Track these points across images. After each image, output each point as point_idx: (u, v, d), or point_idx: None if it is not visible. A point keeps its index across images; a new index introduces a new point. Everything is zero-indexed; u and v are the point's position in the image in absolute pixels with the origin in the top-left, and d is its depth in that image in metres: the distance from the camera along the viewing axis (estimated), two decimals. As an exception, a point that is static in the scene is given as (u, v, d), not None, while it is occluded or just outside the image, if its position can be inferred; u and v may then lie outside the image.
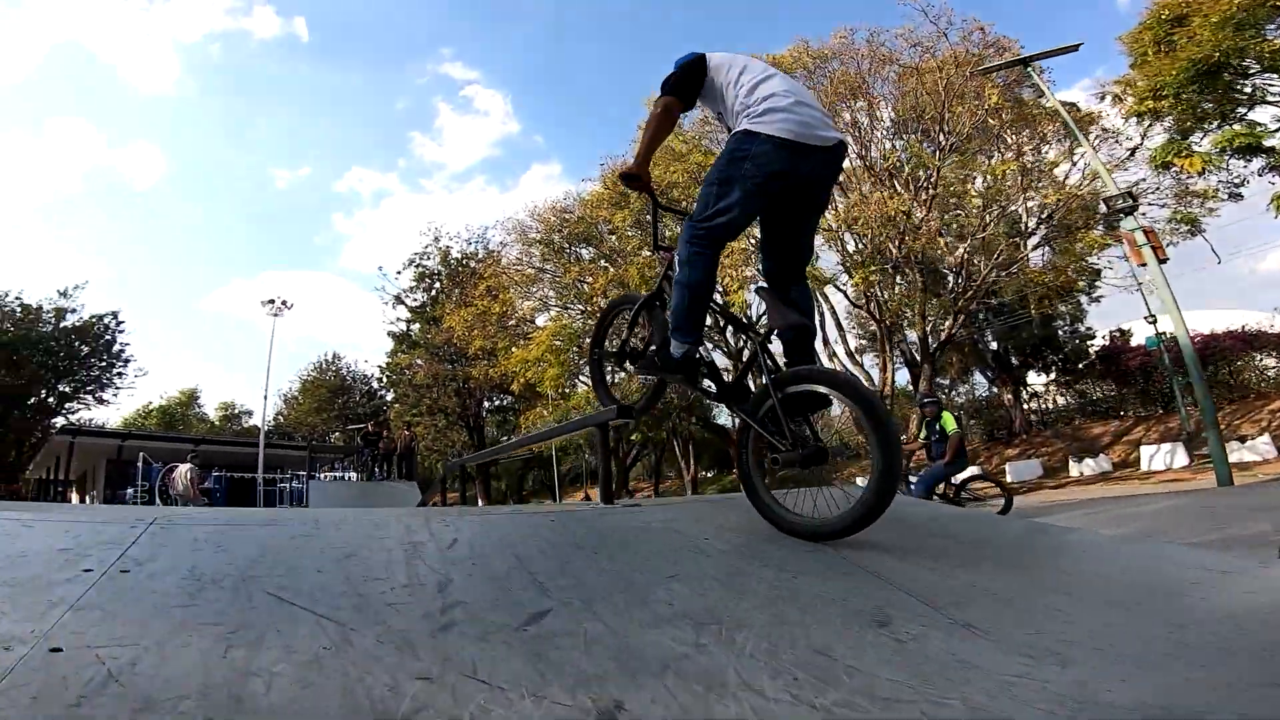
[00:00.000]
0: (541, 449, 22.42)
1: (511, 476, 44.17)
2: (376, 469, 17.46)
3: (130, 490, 28.64)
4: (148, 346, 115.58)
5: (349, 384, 58.41)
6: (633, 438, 25.20)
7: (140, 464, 26.08)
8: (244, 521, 1.90)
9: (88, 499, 34.83)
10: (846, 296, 17.71)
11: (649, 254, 19.23)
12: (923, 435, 8.10)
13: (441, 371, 32.89)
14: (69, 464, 39.68)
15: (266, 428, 42.41)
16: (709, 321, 3.20)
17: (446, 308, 25.23)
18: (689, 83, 2.46)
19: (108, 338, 49.05)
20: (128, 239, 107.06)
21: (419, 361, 34.97)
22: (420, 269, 37.03)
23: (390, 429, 22.06)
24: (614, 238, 21.05)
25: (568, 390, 20.11)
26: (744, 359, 2.88)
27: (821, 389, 2.10)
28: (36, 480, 42.75)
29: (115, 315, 49.55)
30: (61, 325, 46.50)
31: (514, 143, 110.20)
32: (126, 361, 49.96)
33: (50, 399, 46.08)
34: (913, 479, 9.03)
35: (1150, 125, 18.37)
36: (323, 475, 26.79)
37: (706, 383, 2.52)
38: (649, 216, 2.85)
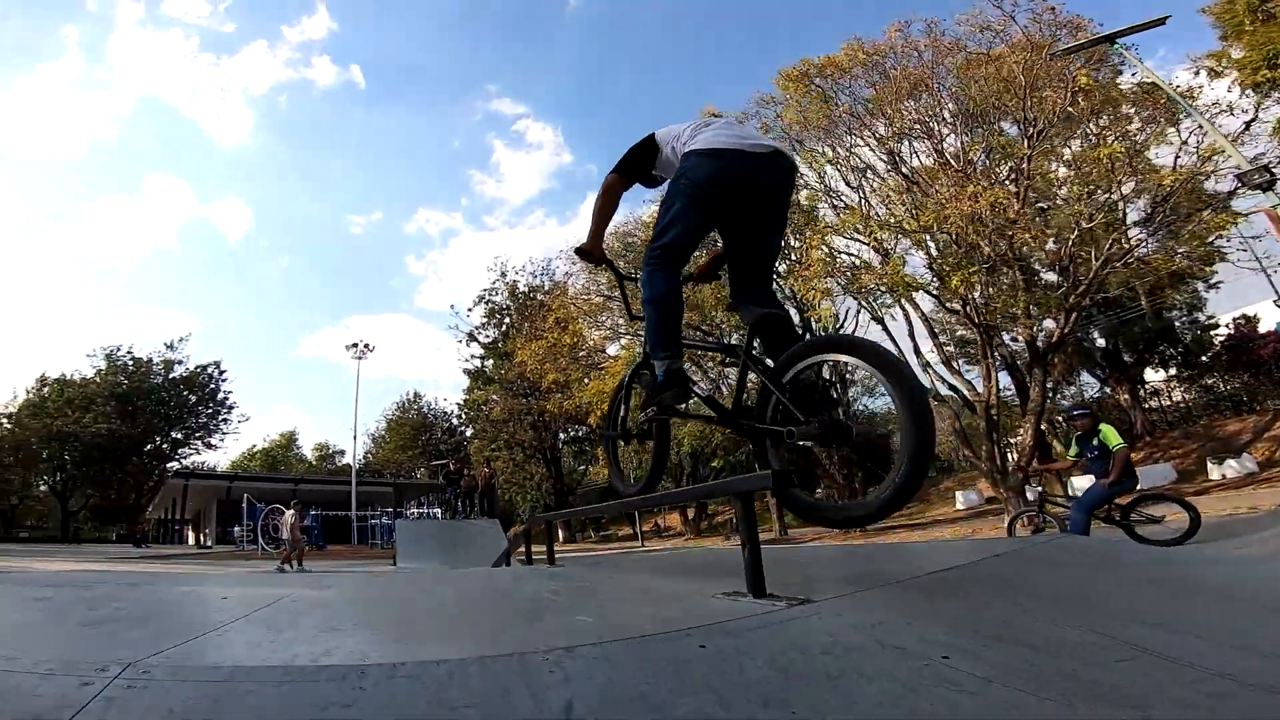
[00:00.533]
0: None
1: (591, 503, 44.27)
2: (460, 506, 17.55)
3: (238, 529, 30.47)
4: (249, 393, 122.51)
5: (430, 421, 60.59)
6: (713, 464, 24.52)
7: (245, 504, 27.48)
8: (257, 682, 1.17)
9: (202, 536, 37.10)
10: (939, 301, 16.42)
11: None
12: (1073, 452, 6.96)
13: (517, 406, 33.27)
14: (184, 504, 42.74)
15: (357, 466, 44.56)
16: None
17: (517, 342, 25.42)
18: (635, 160, 2.54)
19: (212, 386, 53.08)
20: (224, 291, 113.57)
21: (494, 397, 35.62)
22: (490, 304, 37.88)
23: (471, 466, 22.31)
24: None
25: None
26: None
27: (830, 356, 1.98)
28: (156, 519, 46.33)
29: (218, 365, 53.73)
30: (170, 376, 50.66)
31: (568, 173, 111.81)
32: (230, 408, 53.94)
33: (164, 445, 50.00)
34: (1061, 502, 7.96)
35: (1266, 95, 16.66)
36: (410, 511, 27.44)
37: (708, 412, 2.47)
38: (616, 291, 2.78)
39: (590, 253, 2.67)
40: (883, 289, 15.92)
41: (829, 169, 18.11)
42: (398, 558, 13.04)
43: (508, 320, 36.61)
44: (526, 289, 36.11)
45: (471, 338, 38.68)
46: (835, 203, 18.58)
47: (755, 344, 2.29)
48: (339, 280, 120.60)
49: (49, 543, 37.93)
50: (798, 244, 19.15)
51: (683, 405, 2.28)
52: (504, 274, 37.44)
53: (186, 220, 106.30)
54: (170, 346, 51.62)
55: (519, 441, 34.09)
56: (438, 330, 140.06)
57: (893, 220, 14.30)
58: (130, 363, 49.74)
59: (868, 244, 17.04)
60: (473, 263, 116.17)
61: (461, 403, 47.02)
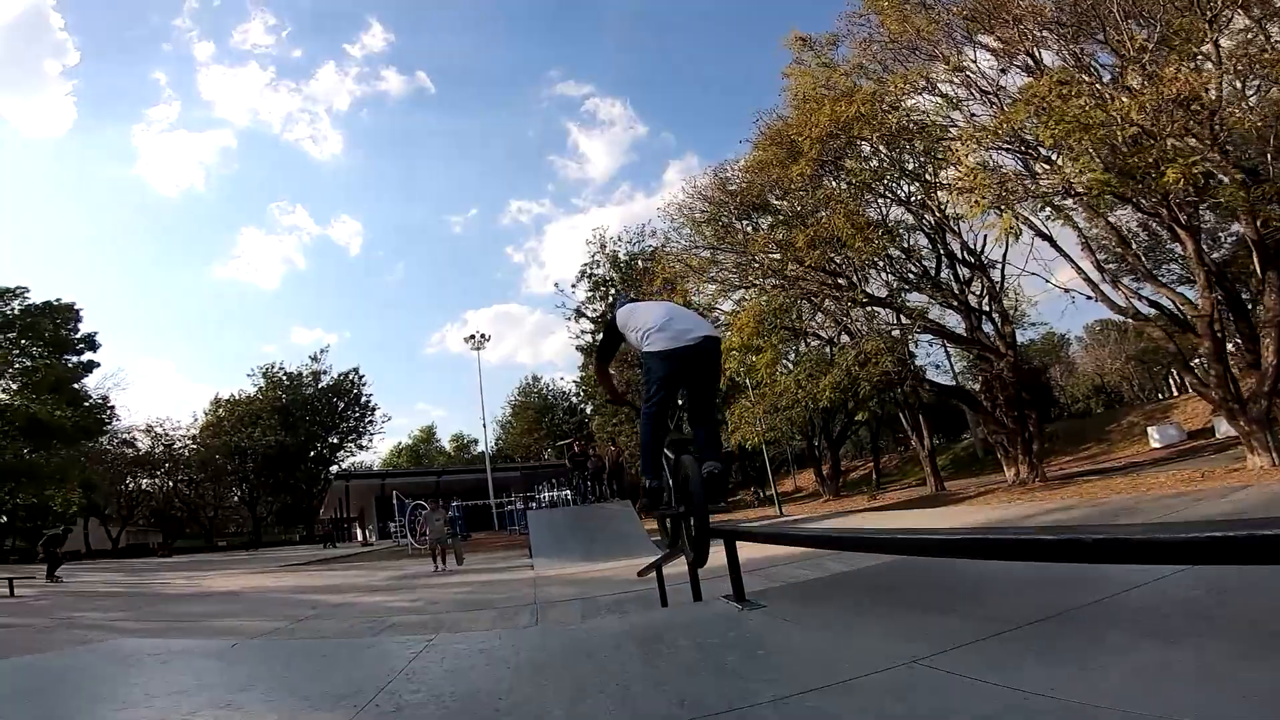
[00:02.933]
0: (748, 438, 20.59)
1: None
2: (588, 489, 16.95)
3: (392, 525, 32.48)
4: (389, 394, 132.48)
5: (551, 402, 62.33)
6: (859, 417, 22.37)
7: (395, 501, 28.99)
8: None
9: (366, 533, 40.00)
10: (1135, 204, 13.14)
11: (853, 201, 16.97)
12: None
13: (634, 376, 32.56)
14: (348, 503, 46.64)
15: (490, 453, 46.42)
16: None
17: (626, 311, 24.52)
18: (607, 347, 4.02)
19: (355, 392, 57.66)
20: (353, 302, 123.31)
21: (610, 371, 35.14)
22: (593, 278, 37.67)
23: (595, 445, 21.83)
24: (785, 201, 18.68)
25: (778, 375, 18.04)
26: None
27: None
28: (329, 519, 51.21)
29: (356, 370, 58.34)
30: (319, 386, 55.69)
31: (644, 145, 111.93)
32: (373, 409, 58.52)
33: (324, 450, 54.98)
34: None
35: None
36: (542, 494, 27.76)
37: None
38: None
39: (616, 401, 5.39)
40: (1053, 195, 13.06)
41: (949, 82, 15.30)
42: (534, 555, 12.54)
43: (613, 291, 36.17)
44: (627, 257, 35.52)
45: (579, 313, 38.80)
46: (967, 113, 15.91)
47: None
48: (450, 278, 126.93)
49: (243, 549, 42.47)
50: (925, 162, 16.65)
51: (661, 506, 3.50)
52: (603, 246, 37.04)
53: (310, 241, 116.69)
54: (314, 359, 56.59)
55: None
56: (546, 314, 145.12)
57: (1069, 117, 11.42)
58: (284, 378, 54.98)
59: (1017, 150, 14.30)
60: (568, 244, 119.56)
61: (578, 380, 47.43)
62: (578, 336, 39.84)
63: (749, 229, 19.83)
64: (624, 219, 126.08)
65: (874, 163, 17.16)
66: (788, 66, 20.18)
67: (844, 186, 17.49)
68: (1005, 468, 17.52)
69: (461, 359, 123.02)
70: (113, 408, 38.95)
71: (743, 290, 19.44)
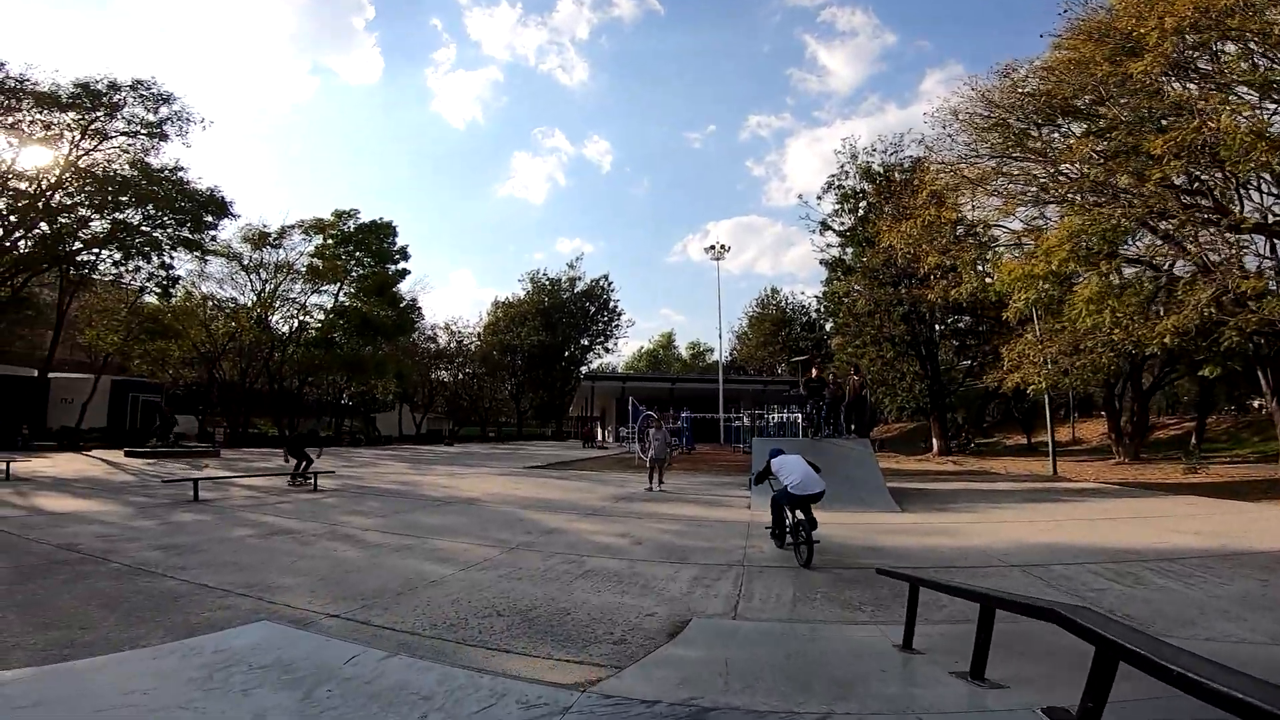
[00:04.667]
0: (1031, 381, 16.66)
1: (972, 407, 37.77)
2: (823, 422, 15.32)
3: (625, 429, 34.68)
4: (633, 300, 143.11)
5: (789, 316, 60.37)
6: (1204, 372, 16.60)
7: (630, 407, 30.55)
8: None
9: (606, 432, 43.61)
10: None
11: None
12: None
13: (884, 296, 29.33)
14: (592, 403, 51.26)
15: (724, 362, 46.79)
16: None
17: (881, 225, 21.40)
18: (761, 477, 7.70)
19: (604, 298, 62.07)
20: (606, 214, 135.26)
21: (857, 288, 32.17)
22: (841, 189, 34.70)
23: (832, 369, 19.89)
24: (1105, 106, 14.01)
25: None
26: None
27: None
28: (576, 417, 57.30)
29: (606, 277, 62.45)
30: (575, 291, 61.01)
31: (895, 54, 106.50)
32: (620, 315, 62.81)
33: (576, 351, 60.85)
34: None
35: None
36: (771, 415, 26.75)
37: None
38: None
39: None
40: None
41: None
42: (753, 488, 11.59)
43: (864, 204, 33.01)
44: (882, 168, 32.07)
45: (825, 226, 36.25)
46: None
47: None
48: (691, 192, 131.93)
49: (510, 440, 49.27)
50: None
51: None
52: (854, 156, 33.85)
53: (568, 160, 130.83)
54: (571, 265, 61.79)
55: (888, 336, 30.07)
56: (787, 225, 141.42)
57: None
58: (547, 283, 61.15)
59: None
60: (811, 157, 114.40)
61: (820, 295, 44.79)
62: (823, 250, 37.29)
63: (1054, 136, 15.74)
64: (874, 131, 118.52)
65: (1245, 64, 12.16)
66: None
67: (1211, 89, 12.61)
68: None
69: (702, 268, 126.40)
70: (420, 309, 46.83)
71: (1041, 206, 15.63)
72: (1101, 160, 13.86)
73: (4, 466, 12.90)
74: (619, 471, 18.06)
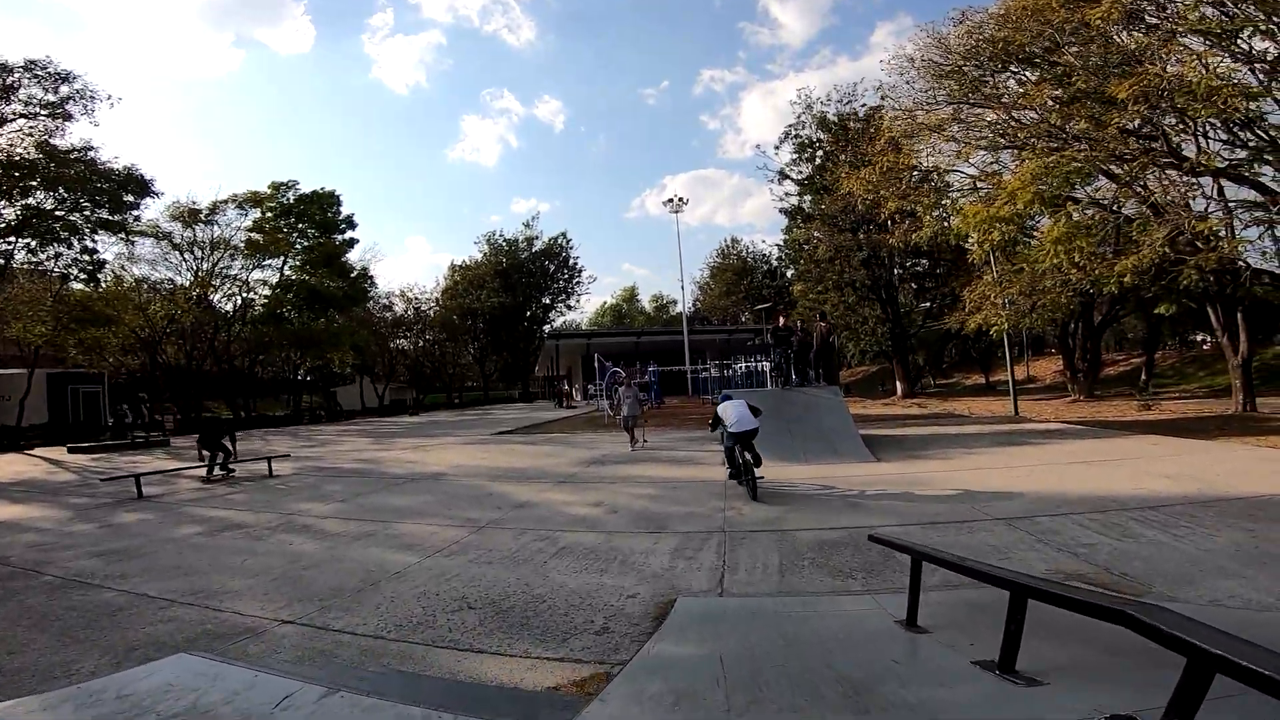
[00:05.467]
0: (991, 323, 16.84)
1: (932, 349, 38.56)
2: (791, 371, 15.21)
3: (591, 386, 34.41)
4: (594, 258, 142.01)
5: (750, 265, 60.31)
6: (1160, 309, 16.76)
7: (596, 364, 30.17)
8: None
9: (574, 391, 43.25)
10: None
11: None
12: None
13: (844, 241, 29.34)
14: (557, 362, 50.64)
15: (687, 314, 46.55)
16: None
17: (841, 172, 21.19)
18: (715, 424, 9.20)
19: (563, 255, 60.90)
20: (561, 175, 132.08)
21: (817, 234, 32.17)
22: (798, 139, 35.27)
23: (793, 317, 19.83)
24: (1058, 54, 13.96)
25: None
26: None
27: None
28: (542, 377, 56.63)
29: (565, 235, 61.17)
30: (532, 250, 59.66)
31: (846, 6, 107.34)
32: (580, 271, 61.72)
33: (538, 310, 59.86)
34: None
35: None
36: (738, 366, 26.73)
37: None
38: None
39: None
40: None
41: None
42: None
43: (821, 153, 33.43)
44: (836, 118, 32.48)
45: (784, 175, 36.57)
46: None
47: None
48: (647, 148, 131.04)
49: (476, 405, 48.56)
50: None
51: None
52: (809, 107, 34.26)
53: (519, 121, 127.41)
54: (527, 225, 60.45)
55: (849, 281, 30.16)
56: (745, 177, 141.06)
57: None
58: (504, 244, 59.62)
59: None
60: (765, 110, 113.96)
61: (781, 243, 44.88)
62: (781, 199, 38.43)
63: (1010, 84, 15.72)
64: (826, 84, 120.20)
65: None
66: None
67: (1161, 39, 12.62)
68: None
69: (660, 221, 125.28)
70: (372, 278, 45.14)
71: (996, 152, 15.70)
72: (1057, 106, 13.83)
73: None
74: (589, 432, 17.81)
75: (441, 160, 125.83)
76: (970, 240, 15.28)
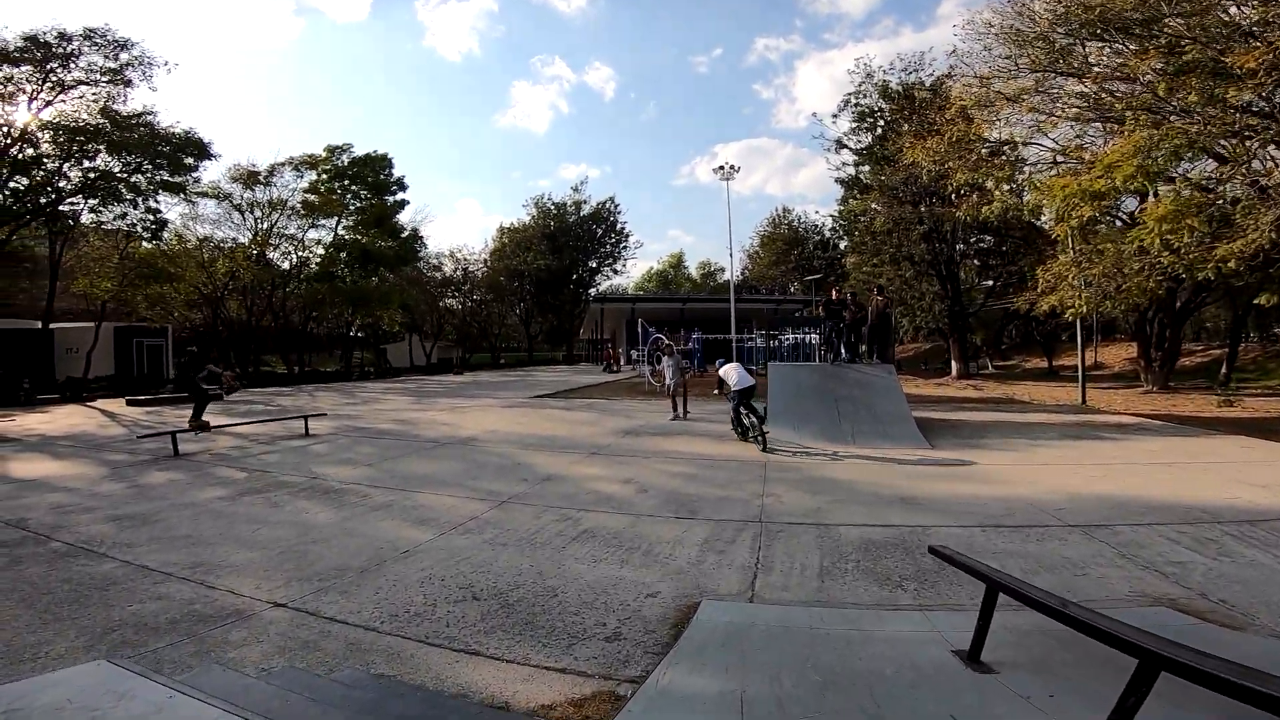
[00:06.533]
0: (1068, 304, 15.41)
1: (991, 328, 36.56)
2: (843, 347, 14.36)
3: (635, 351, 34.08)
4: (642, 223, 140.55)
5: (801, 235, 58.43)
6: (1261, 300, 14.77)
7: (640, 329, 29.76)
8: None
9: (618, 353, 43.03)
10: None
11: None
12: None
13: (904, 214, 27.71)
14: (602, 325, 50.46)
15: (736, 281, 45.45)
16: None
17: (905, 141, 19.70)
18: (720, 384, 10.63)
19: (610, 219, 60.40)
20: (611, 141, 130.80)
21: (875, 206, 30.48)
22: (858, 108, 33.13)
23: (858, 294, 18.78)
24: (1156, 25, 12.36)
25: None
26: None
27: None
28: (587, 340, 56.71)
29: (613, 199, 60.76)
30: (580, 215, 59.35)
31: None
32: (627, 236, 61.30)
33: (584, 274, 59.71)
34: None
35: None
36: (786, 338, 25.83)
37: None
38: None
39: None
40: None
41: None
42: (769, 420, 10.84)
43: (882, 123, 31.46)
44: (900, 87, 30.44)
45: (840, 144, 34.78)
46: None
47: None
48: (698, 116, 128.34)
49: (520, 366, 48.93)
50: None
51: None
52: (869, 75, 32.01)
53: (570, 88, 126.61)
54: (575, 189, 60.01)
55: (907, 255, 28.55)
56: (798, 147, 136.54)
57: None
58: (552, 207, 59.51)
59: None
60: (821, 80, 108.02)
61: (835, 214, 43.08)
62: (838, 169, 36.48)
63: (1105, 53, 14.10)
64: (887, 55, 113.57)
65: None
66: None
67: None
68: None
69: (710, 189, 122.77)
70: (422, 238, 45.59)
71: (1083, 125, 14.45)
72: (1165, 77, 12.30)
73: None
74: (628, 399, 17.42)
75: (492, 126, 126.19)
76: (1045, 216, 14.01)
